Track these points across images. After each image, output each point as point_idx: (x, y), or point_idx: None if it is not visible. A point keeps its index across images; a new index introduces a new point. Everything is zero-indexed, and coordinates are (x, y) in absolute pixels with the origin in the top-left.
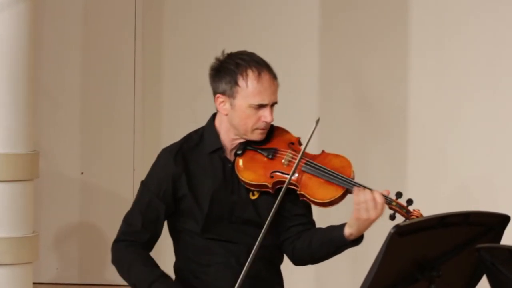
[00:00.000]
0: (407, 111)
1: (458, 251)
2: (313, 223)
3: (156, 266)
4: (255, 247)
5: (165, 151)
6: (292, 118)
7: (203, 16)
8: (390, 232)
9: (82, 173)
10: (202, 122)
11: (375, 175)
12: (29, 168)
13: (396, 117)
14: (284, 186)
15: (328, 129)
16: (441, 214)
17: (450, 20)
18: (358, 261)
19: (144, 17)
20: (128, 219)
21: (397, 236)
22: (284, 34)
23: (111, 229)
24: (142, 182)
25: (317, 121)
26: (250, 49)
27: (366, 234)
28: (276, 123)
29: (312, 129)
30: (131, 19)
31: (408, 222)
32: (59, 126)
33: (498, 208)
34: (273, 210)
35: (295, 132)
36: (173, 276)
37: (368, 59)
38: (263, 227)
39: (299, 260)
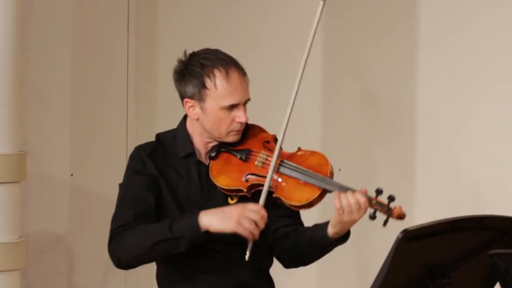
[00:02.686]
0: (415, 108)
1: (469, 257)
2: (300, 223)
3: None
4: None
5: (139, 149)
6: (293, 117)
7: (199, 12)
8: (398, 237)
9: (72, 175)
10: None
11: (381, 176)
12: (16, 170)
13: (403, 115)
14: (264, 191)
15: (332, 128)
16: (452, 218)
17: (460, 12)
18: (364, 268)
19: (138, 13)
20: (116, 218)
21: (406, 241)
22: (285, 29)
23: (103, 234)
24: (121, 184)
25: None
26: (249, 45)
27: (370, 238)
28: (277, 121)
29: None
30: (123, 14)
31: (417, 226)
32: (47, 125)
33: None
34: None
35: (296, 131)
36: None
37: (374, 53)
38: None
39: (289, 263)
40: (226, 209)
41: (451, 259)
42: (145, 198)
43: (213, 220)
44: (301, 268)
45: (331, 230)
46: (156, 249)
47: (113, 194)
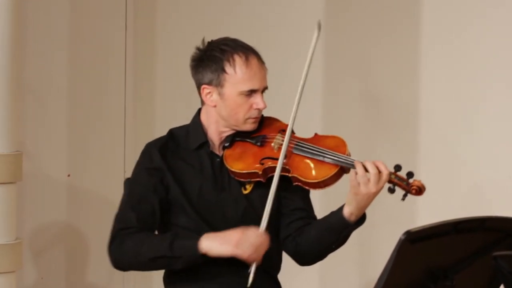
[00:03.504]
0: (418, 108)
1: (473, 259)
2: (314, 217)
3: (164, 233)
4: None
5: (150, 145)
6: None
7: (198, 8)
8: (400, 239)
9: (68, 175)
10: None
11: None
12: (12, 170)
13: (405, 115)
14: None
15: (333, 128)
16: (455, 219)
17: (463, 11)
18: (366, 270)
19: (136, 9)
20: (120, 218)
21: (408, 242)
22: (286, 26)
23: (100, 236)
24: (129, 179)
25: (319, 26)
26: (248, 43)
27: (373, 240)
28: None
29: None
30: (121, 12)
31: (419, 228)
32: (44, 125)
33: None
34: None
35: (297, 131)
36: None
37: (376, 53)
38: (260, 221)
39: (304, 258)
40: (227, 232)
41: (454, 261)
42: (150, 200)
43: (212, 243)
44: (303, 270)
45: (346, 210)
46: (154, 263)
47: (111, 194)
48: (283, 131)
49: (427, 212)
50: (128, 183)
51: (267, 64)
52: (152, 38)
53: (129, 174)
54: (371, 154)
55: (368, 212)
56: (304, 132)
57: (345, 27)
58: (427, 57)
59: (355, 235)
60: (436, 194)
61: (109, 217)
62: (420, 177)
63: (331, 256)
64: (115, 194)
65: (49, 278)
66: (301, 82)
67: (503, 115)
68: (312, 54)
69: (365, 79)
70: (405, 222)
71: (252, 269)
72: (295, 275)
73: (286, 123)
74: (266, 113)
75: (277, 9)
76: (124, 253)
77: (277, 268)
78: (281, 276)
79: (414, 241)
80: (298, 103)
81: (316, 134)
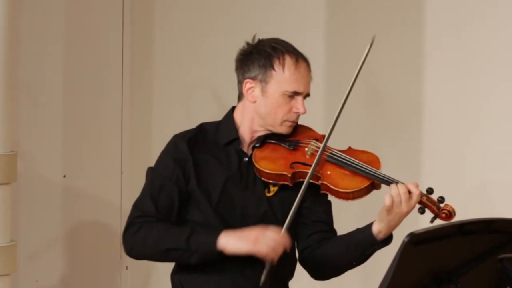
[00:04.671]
0: (422, 107)
1: (478, 262)
2: (334, 231)
3: (182, 225)
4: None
5: (177, 136)
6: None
7: (196, 7)
8: (403, 241)
9: (64, 176)
10: (196, 120)
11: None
12: (7, 171)
13: (410, 114)
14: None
15: (336, 127)
16: (460, 221)
17: (468, 8)
18: (369, 273)
19: (133, 8)
20: (139, 205)
21: (412, 245)
22: (286, 23)
23: (97, 238)
24: (152, 168)
25: (372, 40)
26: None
27: None
28: None
29: (366, 50)
30: (118, 9)
31: (423, 230)
32: (39, 125)
33: None
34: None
35: (335, 146)
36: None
37: (380, 50)
38: (278, 224)
39: (321, 272)
40: (245, 230)
41: (459, 264)
42: (170, 191)
43: (230, 239)
44: (305, 272)
45: (376, 227)
46: (168, 254)
47: (108, 195)
48: (316, 140)
49: (431, 213)
50: (151, 171)
51: None
52: (149, 37)
53: (126, 175)
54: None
55: (370, 213)
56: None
57: (348, 24)
58: (431, 55)
59: None
60: (440, 195)
61: (105, 218)
62: (424, 178)
63: None
64: (112, 195)
65: (44, 281)
66: (346, 92)
67: (509, 114)
68: (361, 66)
69: (368, 77)
70: (409, 224)
71: (266, 268)
72: (297, 276)
73: (320, 133)
74: None
75: (277, 8)
76: (139, 241)
77: (291, 274)
78: None
79: (417, 243)
80: (340, 113)
81: (350, 148)
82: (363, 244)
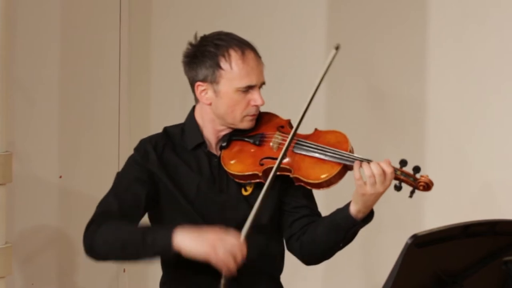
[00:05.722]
0: (425, 106)
1: (483, 264)
2: (318, 214)
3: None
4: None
5: (145, 141)
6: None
7: (194, 4)
8: (407, 243)
9: (60, 177)
10: None
11: None
12: (2, 171)
13: (413, 113)
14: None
15: (337, 127)
16: (464, 222)
17: (473, 5)
18: (371, 275)
19: (131, 6)
20: (102, 204)
21: (415, 247)
22: (286, 21)
23: None
24: (118, 173)
25: (337, 48)
26: (247, 39)
27: (378, 244)
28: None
29: (330, 58)
30: (115, 7)
31: (427, 231)
32: (35, 124)
33: None
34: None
35: (299, 130)
36: None
37: (382, 48)
38: (261, 225)
39: (310, 258)
40: (203, 230)
41: (463, 266)
42: (136, 193)
43: (185, 238)
44: (307, 274)
45: (353, 208)
46: (125, 250)
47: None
48: (281, 127)
49: (434, 214)
50: (117, 176)
51: (266, 62)
52: (147, 36)
53: None
54: (377, 153)
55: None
56: (307, 131)
57: (350, 22)
58: (434, 53)
59: (360, 238)
60: (444, 196)
61: None
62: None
63: (335, 261)
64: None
65: (40, 283)
66: (310, 96)
67: None
68: (326, 71)
69: (370, 76)
70: (412, 225)
71: (223, 280)
72: (299, 280)
73: (284, 118)
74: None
75: (277, 7)
76: (98, 238)
77: (279, 269)
78: (284, 280)
79: (421, 245)
80: (304, 114)
81: (316, 130)
82: (344, 226)
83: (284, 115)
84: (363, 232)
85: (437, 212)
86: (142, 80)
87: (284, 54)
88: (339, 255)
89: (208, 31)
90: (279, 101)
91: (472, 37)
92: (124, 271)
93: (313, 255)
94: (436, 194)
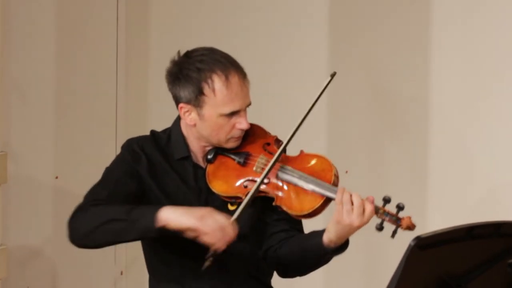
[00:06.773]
0: (429, 105)
1: (487, 267)
2: (299, 229)
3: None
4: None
5: (132, 141)
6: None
7: (192, 3)
8: (409, 245)
9: (56, 178)
10: None
11: (392, 178)
12: None
13: (416, 112)
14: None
15: (339, 125)
16: (468, 224)
17: (476, 4)
18: (373, 278)
19: (128, 4)
20: (89, 194)
21: (418, 249)
22: (286, 23)
23: None
24: (107, 167)
25: (332, 75)
26: (248, 40)
27: (381, 246)
28: (279, 119)
29: (324, 85)
30: (112, 6)
31: (430, 233)
32: (30, 124)
33: None
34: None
35: (300, 130)
36: None
37: (384, 45)
38: (247, 239)
39: (284, 272)
40: (192, 207)
41: (468, 269)
42: (126, 183)
43: (173, 213)
44: (306, 278)
45: (326, 237)
46: (108, 227)
47: None
48: (267, 144)
49: (438, 216)
50: (106, 170)
51: (264, 65)
52: (144, 34)
53: None
54: (379, 154)
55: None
56: (308, 131)
57: (351, 18)
58: (438, 51)
59: (361, 240)
60: (448, 198)
61: None
62: (431, 180)
63: (336, 263)
64: None
65: (35, 286)
66: (300, 120)
67: None
68: (319, 97)
69: (372, 73)
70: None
71: (209, 259)
72: (297, 285)
73: (271, 134)
74: (258, 117)
75: (276, 7)
76: (84, 220)
77: (268, 274)
78: (284, 281)
79: (424, 248)
80: (291, 137)
81: (302, 152)
82: (316, 252)
83: (278, 120)
84: (365, 234)
85: (440, 214)
86: (140, 80)
87: (285, 54)
88: (340, 256)
89: (206, 30)
90: (272, 111)
91: (477, 36)
92: (121, 273)
93: (287, 271)
94: (440, 195)
